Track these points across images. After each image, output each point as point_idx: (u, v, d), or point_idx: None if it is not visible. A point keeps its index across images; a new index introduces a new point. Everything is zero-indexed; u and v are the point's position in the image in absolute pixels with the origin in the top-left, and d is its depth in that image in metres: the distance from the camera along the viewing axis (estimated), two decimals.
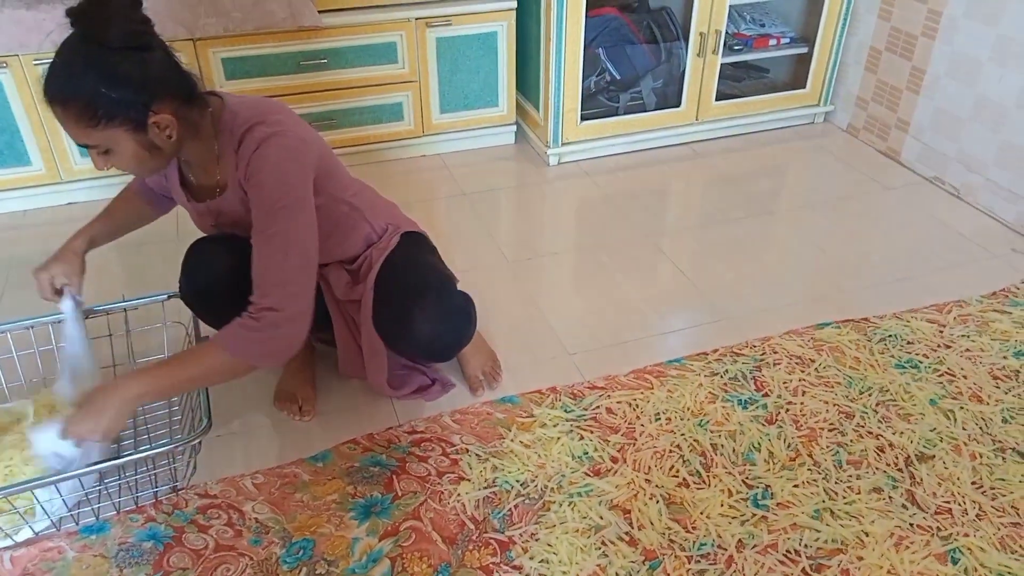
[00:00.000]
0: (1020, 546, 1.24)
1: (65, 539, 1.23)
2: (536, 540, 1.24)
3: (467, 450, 1.41)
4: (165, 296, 1.50)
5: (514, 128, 2.63)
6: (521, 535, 1.25)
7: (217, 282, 1.35)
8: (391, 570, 1.20)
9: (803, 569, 1.20)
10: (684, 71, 2.50)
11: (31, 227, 2.19)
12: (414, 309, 1.34)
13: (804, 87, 2.70)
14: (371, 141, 2.47)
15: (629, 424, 1.47)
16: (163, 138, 1.14)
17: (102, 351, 1.48)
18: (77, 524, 1.24)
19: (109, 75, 1.06)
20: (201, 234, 1.42)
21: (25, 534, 1.21)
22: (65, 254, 1.33)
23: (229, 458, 1.40)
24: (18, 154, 2.15)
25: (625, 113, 2.55)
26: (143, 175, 1.35)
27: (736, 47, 2.62)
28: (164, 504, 1.30)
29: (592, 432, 1.45)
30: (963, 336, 1.72)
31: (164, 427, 1.44)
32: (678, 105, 2.56)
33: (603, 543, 1.23)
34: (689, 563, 1.21)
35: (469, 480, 1.35)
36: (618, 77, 2.53)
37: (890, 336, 1.72)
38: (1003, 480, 1.36)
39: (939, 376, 1.60)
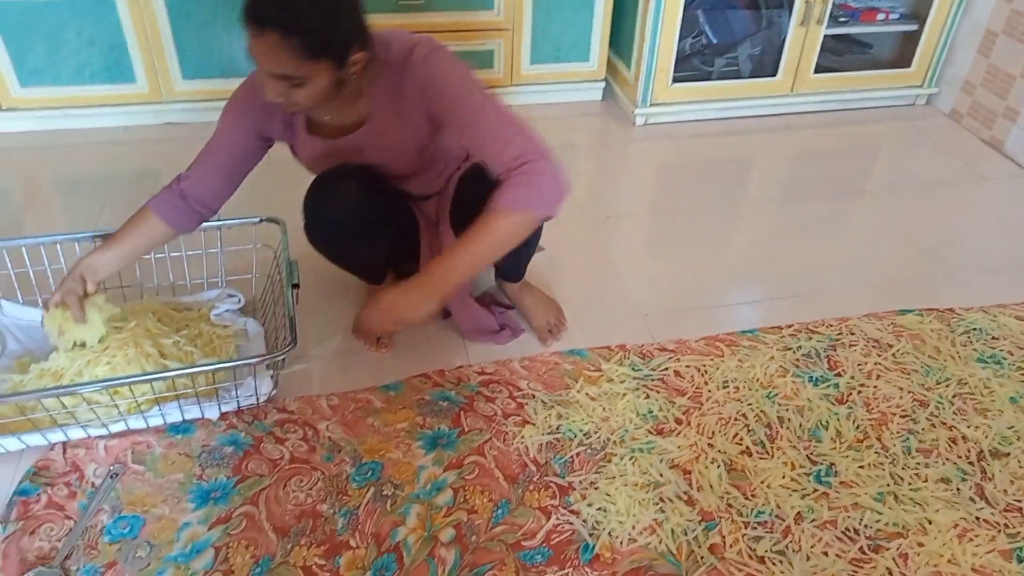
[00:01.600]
0: None
1: (153, 435, 1.31)
2: (595, 489, 1.27)
3: (533, 396, 1.44)
4: (258, 220, 1.55)
5: (603, 85, 2.61)
6: (581, 482, 1.28)
7: (349, 216, 1.35)
8: (453, 499, 1.24)
9: (860, 548, 1.20)
10: (784, 40, 2.42)
11: (131, 143, 2.28)
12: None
13: (909, 66, 2.59)
14: None
15: (696, 388, 1.48)
16: (350, 75, 1.19)
17: (195, 266, 1.55)
18: (165, 423, 1.32)
19: (335, 11, 1.10)
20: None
21: (119, 427, 1.29)
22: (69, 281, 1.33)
23: (307, 379, 1.46)
24: (124, 71, 2.24)
25: (719, 78, 2.50)
26: (310, 110, 1.29)
27: (842, 19, 2.52)
28: (245, 414, 1.36)
29: (658, 392, 1.46)
30: None
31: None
32: (774, 74, 2.49)
33: (661, 499, 1.25)
34: (745, 528, 1.22)
35: (534, 424, 1.38)
36: (715, 41, 2.47)
37: (974, 329, 1.67)
38: None
39: (1022, 375, 1.55)
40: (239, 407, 1.36)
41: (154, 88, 2.28)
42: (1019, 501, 1.28)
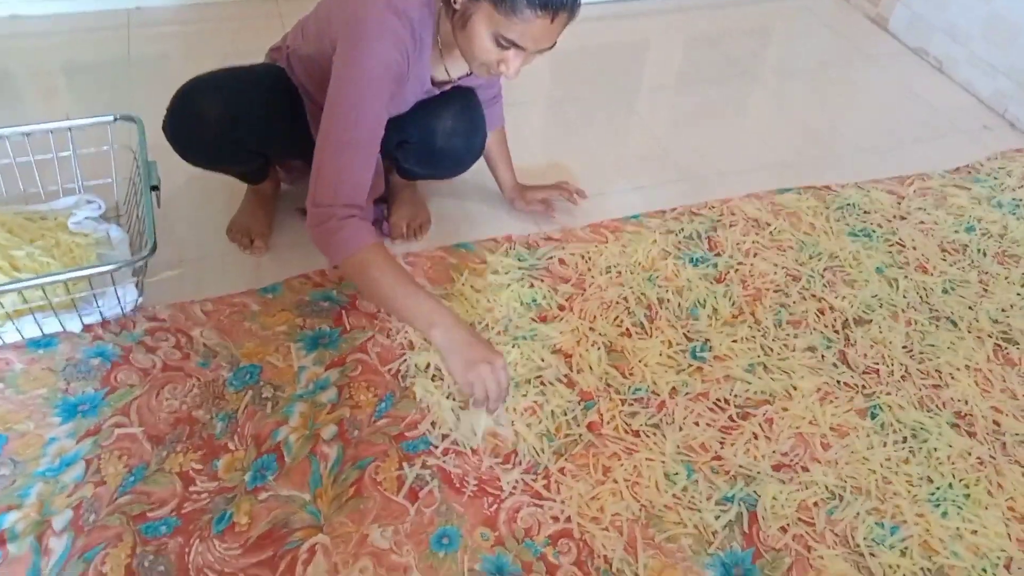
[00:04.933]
0: (936, 406, 1.30)
1: (12, 352, 1.25)
2: None
3: None
4: (112, 118, 1.44)
5: None
6: None
7: (217, 122, 1.28)
8: (338, 396, 1.23)
9: (730, 416, 1.26)
10: None
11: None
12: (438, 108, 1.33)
13: None
14: None
15: (580, 275, 1.49)
16: None
17: (47, 173, 1.44)
18: (23, 338, 1.25)
19: None
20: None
21: None
22: None
23: (179, 286, 1.40)
24: None
25: None
26: None
27: None
28: (112, 325, 1.30)
29: (543, 281, 1.47)
30: (920, 209, 1.74)
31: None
32: None
33: (542, 383, 1.28)
34: (623, 405, 1.26)
35: None
36: None
37: (848, 205, 1.73)
38: (932, 346, 1.41)
39: (889, 246, 1.63)
40: (103, 318, 1.29)
41: None
42: (876, 364, 1.37)
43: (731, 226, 1.64)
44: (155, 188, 1.32)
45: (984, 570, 1.09)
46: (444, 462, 1.15)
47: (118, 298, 1.27)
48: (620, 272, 1.50)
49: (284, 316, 1.36)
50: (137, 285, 1.30)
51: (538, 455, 1.17)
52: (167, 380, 1.23)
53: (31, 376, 1.22)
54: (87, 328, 1.29)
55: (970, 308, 1.49)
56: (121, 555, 1.01)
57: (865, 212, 1.72)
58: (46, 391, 1.20)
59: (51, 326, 1.26)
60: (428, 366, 1.28)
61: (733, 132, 1.96)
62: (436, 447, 1.17)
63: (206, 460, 1.13)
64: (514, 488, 1.13)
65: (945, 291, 1.53)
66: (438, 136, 1.36)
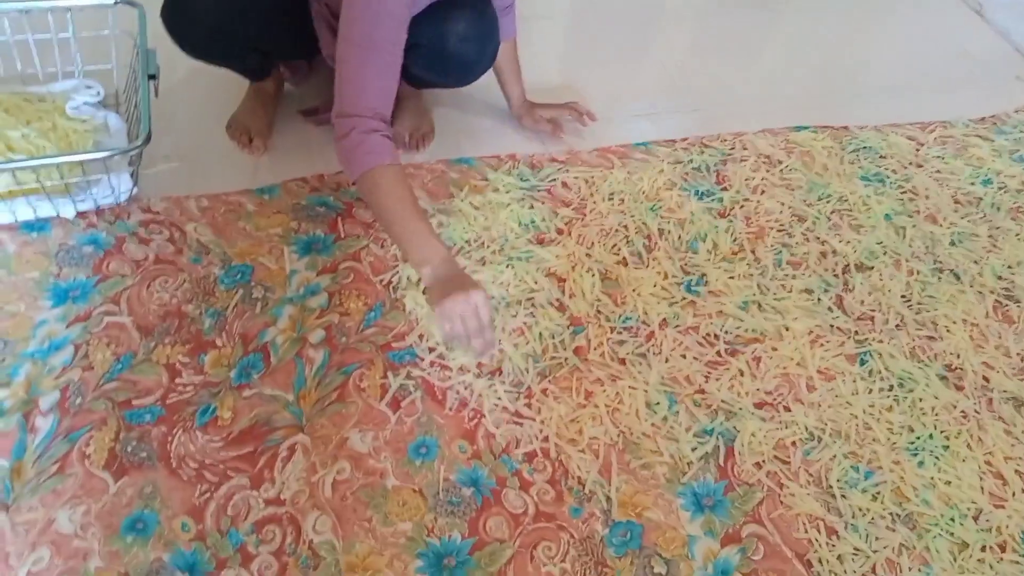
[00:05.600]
0: (928, 357, 1.30)
1: (6, 233, 1.24)
2: None
3: None
4: (113, 1, 1.40)
5: None
6: None
7: (213, 14, 1.24)
8: (327, 302, 1.23)
9: (718, 351, 1.26)
10: None
11: None
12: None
13: None
14: None
15: (582, 199, 1.46)
16: None
17: (46, 54, 1.40)
18: (16, 220, 1.24)
19: None
20: None
21: None
22: None
23: (175, 179, 1.38)
24: None
25: None
26: None
27: None
28: (106, 214, 1.30)
29: (543, 203, 1.44)
30: (938, 157, 1.69)
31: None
32: None
33: (533, 305, 1.27)
34: (611, 333, 1.25)
35: None
36: None
37: (865, 147, 1.68)
38: (932, 297, 1.39)
39: (902, 193, 1.59)
40: (97, 206, 1.28)
41: None
42: (872, 311, 1.35)
43: (741, 161, 1.60)
44: (152, 77, 1.29)
45: (952, 519, 1.10)
46: (428, 374, 1.16)
47: (112, 186, 1.25)
48: (623, 199, 1.47)
49: (279, 218, 1.34)
50: (132, 175, 1.29)
51: (522, 375, 1.18)
52: (159, 273, 1.23)
53: (23, 259, 1.22)
54: (81, 215, 1.28)
55: (975, 262, 1.47)
56: (105, 439, 1.03)
57: (881, 156, 1.67)
58: (38, 275, 1.20)
59: (45, 210, 1.25)
60: (420, 280, 1.27)
61: (755, 63, 1.90)
62: (422, 359, 1.18)
63: (193, 354, 1.14)
64: (495, 405, 1.14)
65: (952, 243, 1.50)
66: (450, 40, 1.31)
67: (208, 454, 1.03)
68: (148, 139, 1.19)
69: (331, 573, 0.95)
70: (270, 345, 1.16)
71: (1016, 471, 1.17)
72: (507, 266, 1.32)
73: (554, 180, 1.49)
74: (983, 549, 1.08)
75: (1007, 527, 1.10)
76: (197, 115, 1.51)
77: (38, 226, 1.26)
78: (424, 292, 1.14)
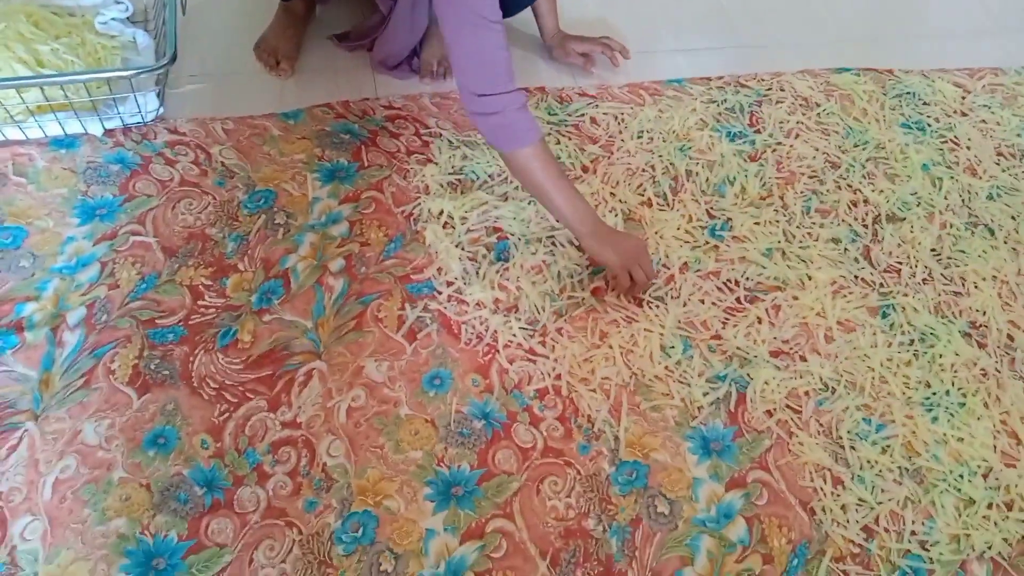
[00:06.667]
0: (952, 313, 1.27)
1: (35, 148, 1.26)
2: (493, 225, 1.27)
3: (440, 134, 1.39)
4: None
5: None
6: (477, 219, 1.28)
7: None
8: (349, 231, 1.24)
9: (737, 298, 1.25)
10: None
11: None
12: None
13: None
14: None
15: (610, 136, 1.44)
16: None
17: None
18: (45, 135, 1.25)
19: None
20: None
21: None
22: None
23: (201, 100, 1.38)
24: None
25: None
26: None
27: None
28: (133, 133, 1.30)
29: (570, 139, 1.42)
30: (984, 106, 1.62)
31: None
32: None
33: (553, 244, 1.27)
34: None
35: (436, 164, 1.35)
36: None
37: (908, 93, 1.62)
38: (963, 252, 1.36)
39: (942, 143, 1.53)
40: (124, 125, 1.29)
41: None
42: (899, 264, 1.33)
43: (777, 103, 1.55)
44: None
45: (961, 476, 1.10)
46: (445, 308, 1.17)
47: (139, 105, 1.26)
48: (652, 138, 1.44)
49: (303, 144, 1.34)
50: (158, 95, 1.29)
51: (538, 312, 1.18)
52: (184, 195, 1.24)
53: (52, 175, 1.24)
54: (108, 133, 1.29)
55: (1012, 218, 1.42)
56: (129, 355, 1.06)
57: (924, 103, 1.61)
58: (66, 191, 1.22)
59: (73, 127, 1.26)
60: (441, 213, 1.27)
61: (803, 0, 1.81)
62: (440, 293, 1.19)
63: (215, 277, 1.16)
64: (510, 341, 1.14)
65: (990, 197, 1.45)
66: None
67: (228, 375, 1.06)
68: (174, 59, 1.19)
69: (343, 496, 0.98)
70: (291, 271, 1.17)
71: None
72: (529, 202, 1.31)
73: (583, 115, 1.46)
74: (989, 507, 1.08)
75: (1016, 486, 1.10)
76: (225, 34, 1.50)
77: (67, 142, 1.27)
78: (590, 254, 1.20)
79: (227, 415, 1.02)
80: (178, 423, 1.01)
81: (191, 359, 1.07)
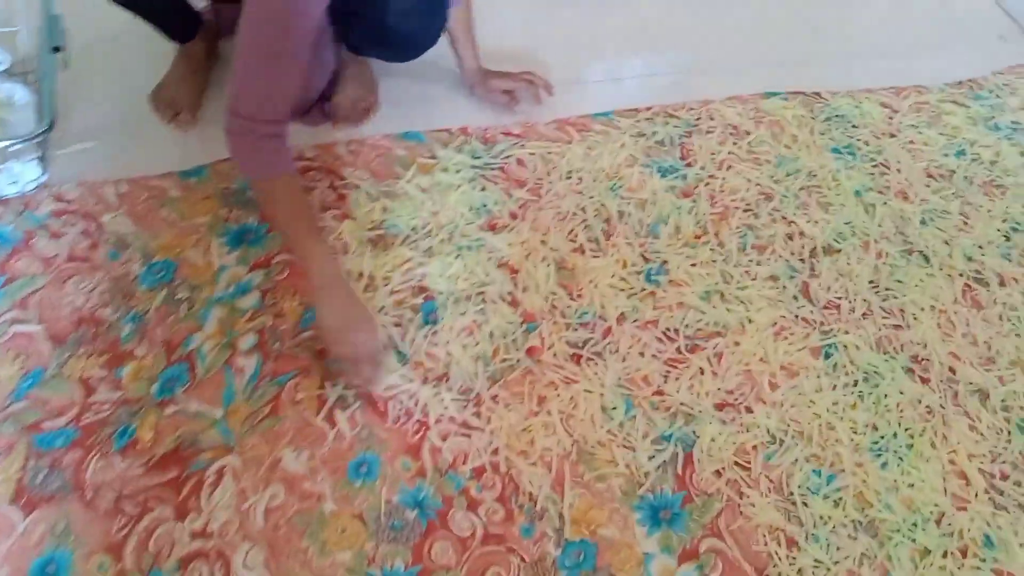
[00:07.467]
0: (894, 348, 1.25)
1: None
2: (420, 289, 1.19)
3: (358, 186, 1.30)
4: None
5: None
6: (403, 282, 1.20)
7: None
8: (260, 301, 1.14)
9: (678, 348, 1.19)
10: None
11: None
12: None
13: None
14: None
15: (538, 179, 1.37)
16: None
17: None
18: None
19: None
20: None
21: None
22: None
23: (91, 160, 1.26)
24: None
25: None
26: None
27: None
28: (13, 203, 1.18)
29: (496, 184, 1.35)
30: (912, 126, 1.61)
31: None
32: None
33: (484, 300, 1.19)
34: (566, 330, 1.18)
35: (354, 219, 1.26)
36: None
37: (837, 116, 1.60)
38: (900, 282, 1.34)
39: (873, 166, 1.52)
40: (1, 196, 1.16)
41: None
42: (839, 299, 1.30)
43: (707, 132, 1.51)
44: (57, 49, 1.15)
45: (915, 524, 1.07)
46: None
47: (15, 176, 1.13)
48: (581, 179, 1.38)
49: (207, 205, 1.23)
50: (40, 161, 1.17)
51: (471, 379, 1.11)
52: (72, 272, 1.13)
53: None
54: None
55: (946, 243, 1.41)
56: (11, 468, 0.94)
57: (853, 126, 1.59)
58: None
59: None
60: (361, 275, 1.19)
61: (730, 22, 1.78)
62: None
63: (110, 366, 1.05)
64: (441, 416, 1.07)
65: (923, 222, 1.44)
66: (390, 14, 1.18)
67: (127, 482, 0.95)
68: (51, 127, 1.07)
69: None
70: (196, 354, 1.07)
71: (979, 469, 1.14)
72: (456, 257, 1.23)
73: (508, 157, 1.39)
74: (944, 555, 1.05)
75: (968, 531, 1.07)
76: (118, 84, 1.37)
77: None
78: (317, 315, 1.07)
79: (127, 529, 0.92)
80: (71, 544, 0.90)
81: (84, 466, 0.96)
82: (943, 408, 1.19)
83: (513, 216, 1.31)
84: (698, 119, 1.53)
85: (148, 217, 1.20)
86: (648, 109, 1.53)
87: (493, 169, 1.37)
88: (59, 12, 1.18)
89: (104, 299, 1.10)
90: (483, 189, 1.33)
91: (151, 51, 1.38)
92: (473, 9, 1.39)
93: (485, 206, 1.31)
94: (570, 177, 1.38)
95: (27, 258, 1.13)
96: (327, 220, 1.24)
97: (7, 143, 1.05)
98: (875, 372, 1.21)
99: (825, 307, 1.28)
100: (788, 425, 1.13)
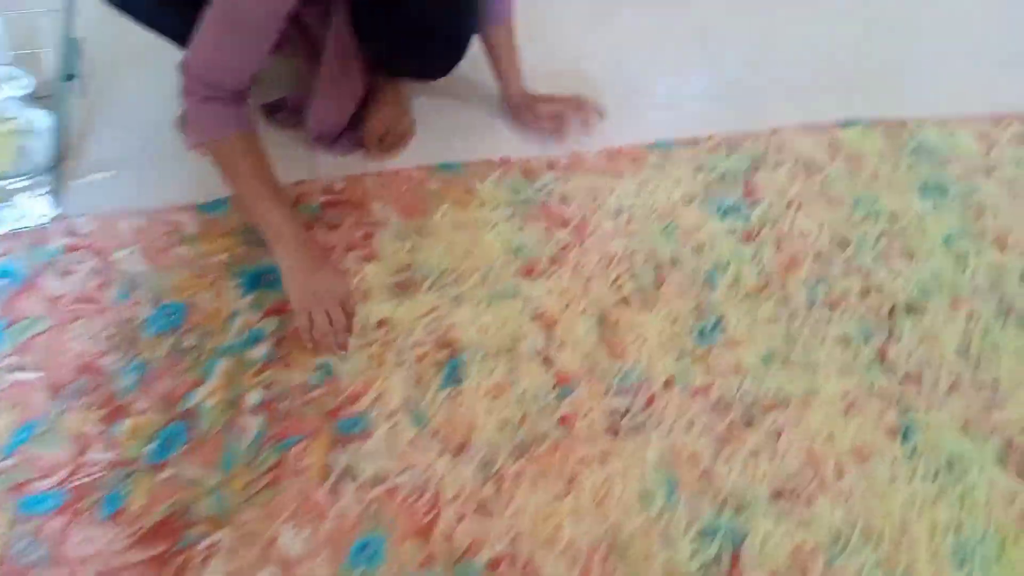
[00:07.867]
0: (983, 431, 1.08)
1: None
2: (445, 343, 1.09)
3: (386, 223, 1.20)
4: None
5: None
6: (429, 334, 1.09)
7: None
8: (272, 353, 1.05)
9: (731, 421, 1.06)
10: None
11: None
12: None
13: None
14: None
15: (583, 218, 1.25)
16: None
17: None
18: None
19: None
20: None
21: None
22: None
23: (109, 191, 1.19)
24: None
25: None
26: None
27: None
28: (24, 236, 1.12)
29: (537, 222, 1.23)
30: (1012, 161, 1.42)
31: None
32: None
33: (514, 358, 1.08)
34: (605, 395, 1.06)
35: (380, 260, 1.16)
36: None
37: (925, 149, 1.42)
38: (994, 348, 1.17)
39: (965, 208, 1.34)
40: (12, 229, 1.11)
41: None
42: (921, 367, 1.13)
43: (776, 167, 1.36)
44: (71, 77, 1.09)
45: None
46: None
47: (24, 212, 1.07)
48: (631, 219, 1.25)
49: (224, 242, 1.16)
50: (52, 195, 1.10)
51: (495, 450, 1.00)
52: (77, 314, 1.06)
53: None
54: None
55: None
56: None
57: (944, 160, 1.41)
58: None
59: None
60: (381, 323, 1.09)
61: (800, 35, 1.61)
62: (375, 430, 1.00)
63: (108, 421, 0.98)
64: (458, 493, 0.96)
65: (1023, 277, 1.26)
66: (413, 8, 1.08)
67: (110, 558, 0.88)
68: (59, 162, 1.01)
69: None
70: (197, 410, 0.99)
71: None
72: (488, 305, 1.12)
73: (551, 192, 1.27)
74: None
75: None
76: (139, 112, 1.30)
77: None
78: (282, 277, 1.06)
79: None
80: None
81: (67, 536, 0.88)
82: None
83: (552, 261, 1.19)
84: (766, 150, 1.38)
85: (162, 255, 1.13)
86: (709, 138, 1.39)
87: (534, 205, 1.25)
88: (79, 35, 1.11)
89: (108, 345, 1.03)
90: (521, 228, 1.22)
91: (172, 75, 1.30)
92: (516, 28, 1.28)
93: (523, 248, 1.19)
94: (619, 216, 1.25)
95: (33, 297, 1.07)
96: (351, 262, 1.15)
97: (8, 180, 0.99)
98: (961, 459, 1.05)
99: (905, 377, 1.12)
100: (856, 522, 0.98)
